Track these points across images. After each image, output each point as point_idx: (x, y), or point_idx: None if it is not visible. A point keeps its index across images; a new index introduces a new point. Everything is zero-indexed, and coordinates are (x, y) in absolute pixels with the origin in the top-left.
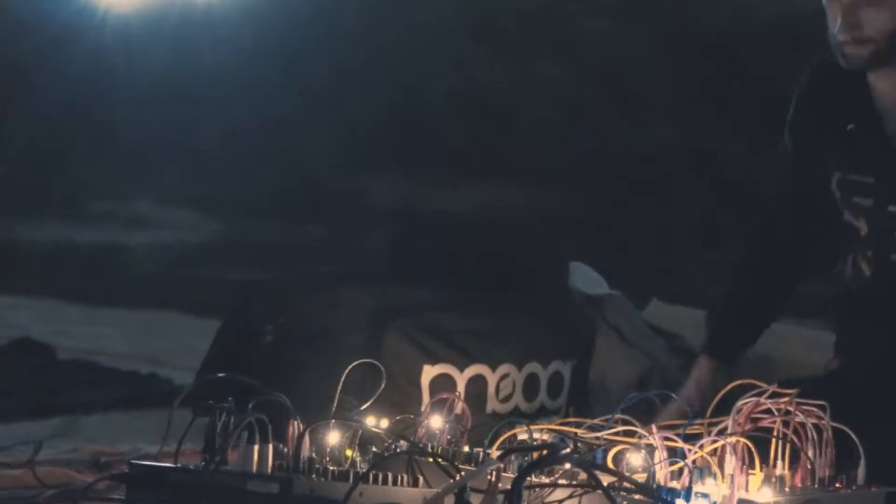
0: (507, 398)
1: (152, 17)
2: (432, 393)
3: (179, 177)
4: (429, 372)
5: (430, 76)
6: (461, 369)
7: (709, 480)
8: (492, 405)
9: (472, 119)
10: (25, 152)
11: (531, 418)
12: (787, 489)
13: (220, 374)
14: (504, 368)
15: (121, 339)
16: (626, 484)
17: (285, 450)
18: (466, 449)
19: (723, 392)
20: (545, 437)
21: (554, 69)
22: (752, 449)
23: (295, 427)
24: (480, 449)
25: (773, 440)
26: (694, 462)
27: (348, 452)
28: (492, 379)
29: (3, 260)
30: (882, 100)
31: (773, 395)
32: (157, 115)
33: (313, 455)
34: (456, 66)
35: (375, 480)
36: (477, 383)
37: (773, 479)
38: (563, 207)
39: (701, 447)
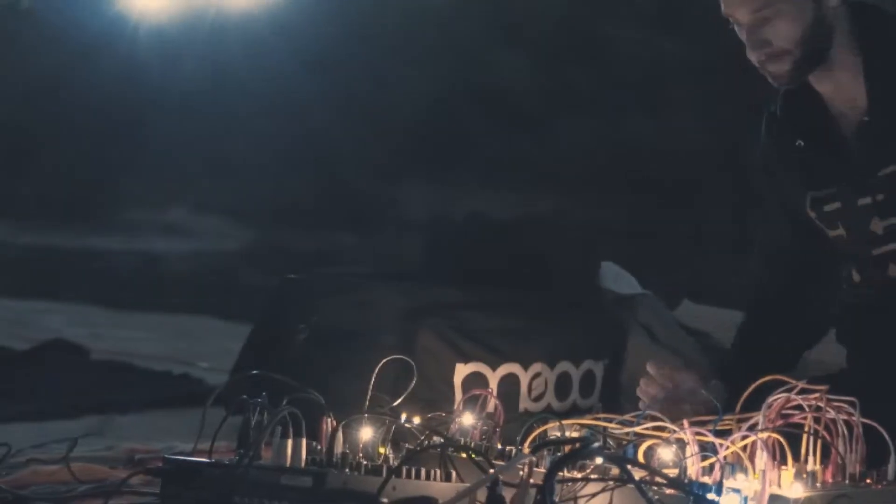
0: (539, 397)
1: (186, 26)
2: (465, 391)
3: (214, 185)
4: (461, 370)
5: (463, 84)
6: (493, 368)
7: (740, 476)
8: (524, 404)
9: (505, 126)
10: (60, 161)
11: (563, 417)
12: (818, 485)
13: (254, 372)
14: (536, 367)
15: (154, 342)
16: (657, 479)
17: (318, 447)
18: (498, 445)
19: (752, 388)
20: (576, 432)
21: (585, 75)
22: (784, 444)
23: (328, 423)
24: (512, 446)
25: (805, 436)
26: (725, 457)
27: (381, 449)
28: (524, 378)
29: (38, 266)
30: (832, 103)
31: (803, 392)
32: (191, 124)
33: (346, 450)
34: (488, 74)
35: (408, 475)
36: (509, 382)
37: (805, 475)
38: (595, 212)
39: (732, 442)
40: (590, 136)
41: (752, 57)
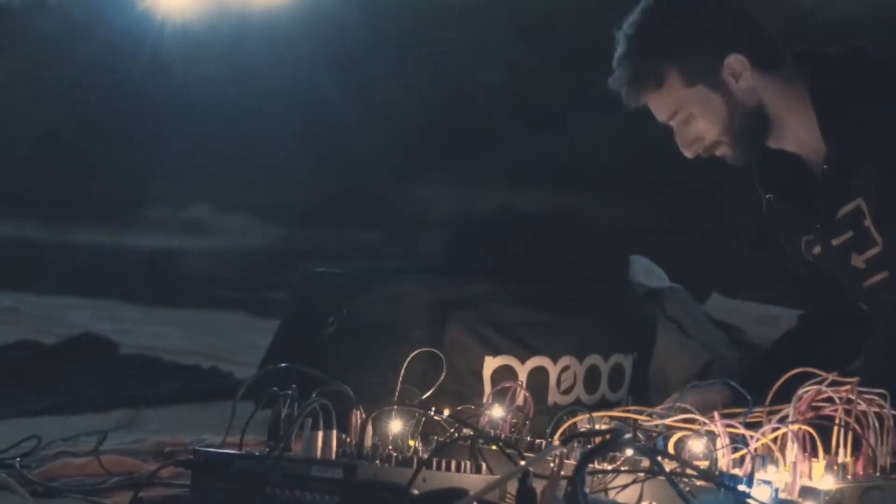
0: (569, 390)
1: (210, 25)
2: (494, 384)
3: (237, 183)
4: (490, 364)
5: (486, 82)
6: (522, 361)
7: (771, 468)
8: (553, 397)
9: (528, 124)
10: (86, 160)
11: (592, 411)
12: (849, 477)
13: (283, 365)
14: (565, 360)
15: (181, 337)
16: (688, 470)
17: (348, 439)
18: (528, 438)
19: (781, 380)
20: (606, 424)
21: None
22: (815, 436)
23: (357, 416)
24: (542, 439)
25: (835, 428)
26: (756, 449)
27: (411, 442)
28: (553, 371)
29: (65, 262)
30: (803, 155)
31: (834, 384)
32: (215, 122)
33: (376, 442)
34: (511, 72)
35: (439, 466)
36: (538, 375)
37: (836, 467)
38: (621, 211)
39: (763, 434)
40: (614, 135)
41: (686, 153)
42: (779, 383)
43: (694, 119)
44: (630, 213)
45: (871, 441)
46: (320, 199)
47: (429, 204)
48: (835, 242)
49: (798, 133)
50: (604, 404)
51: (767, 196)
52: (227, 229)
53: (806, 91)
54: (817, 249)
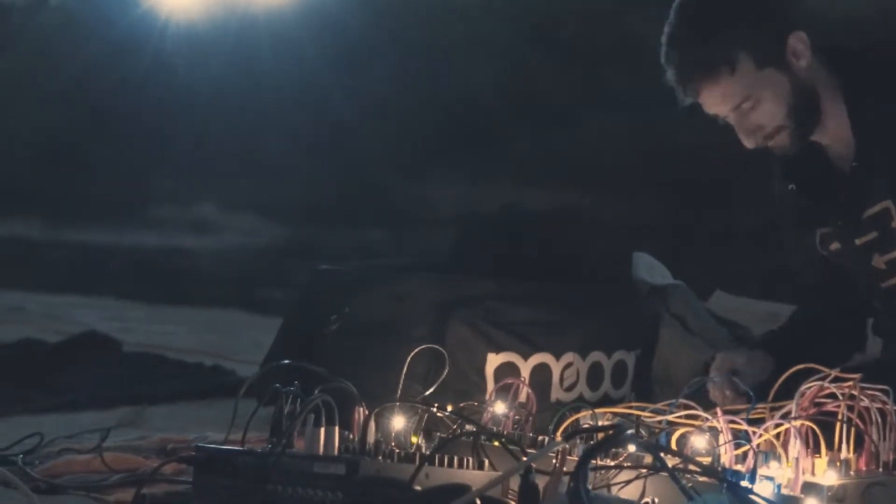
0: (572, 387)
1: (214, 24)
2: (497, 381)
3: (242, 182)
4: (493, 360)
5: (492, 80)
6: (525, 358)
7: (773, 464)
8: (556, 394)
9: (534, 122)
10: (91, 159)
11: (595, 407)
12: (851, 473)
13: (286, 362)
14: (568, 357)
15: (185, 336)
16: (690, 466)
17: (351, 437)
18: (531, 434)
19: (784, 376)
20: (609, 421)
21: (615, 72)
22: (818, 432)
23: (360, 413)
24: (545, 435)
25: (838, 424)
26: (758, 445)
27: (414, 439)
28: (556, 368)
29: (70, 261)
30: (830, 149)
31: (837, 380)
32: (220, 121)
33: (379, 439)
34: (517, 71)
35: (441, 463)
36: (541, 372)
37: (838, 463)
38: (625, 210)
39: (766, 430)
40: (619, 133)
41: (749, 143)
42: (781, 379)
43: (760, 105)
44: (634, 212)
45: (874, 437)
46: (325, 199)
47: (433, 203)
48: (858, 242)
49: (831, 124)
50: (607, 401)
51: (790, 186)
52: (232, 228)
53: (839, 84)
54: (835, 246)
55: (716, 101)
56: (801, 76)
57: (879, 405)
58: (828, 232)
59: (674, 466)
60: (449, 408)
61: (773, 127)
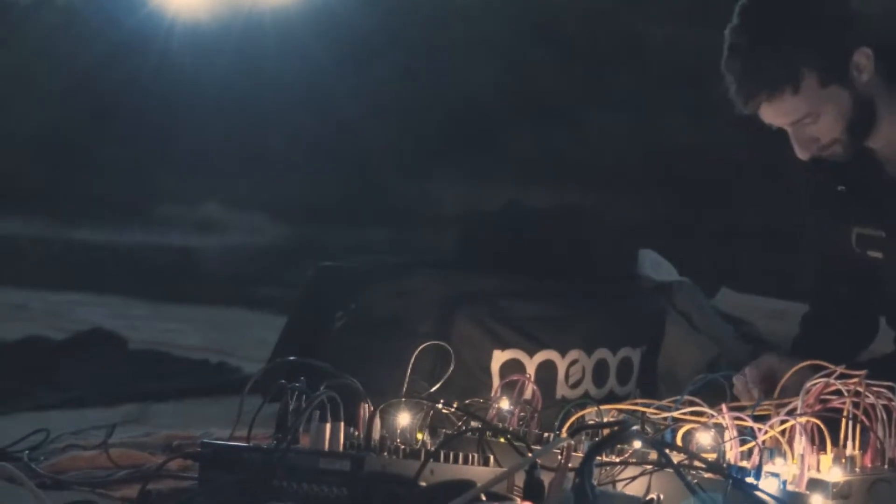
0: (577, 384)
1: (220, 23)
2: (502, 378)
3: (247, 181)
4: (499, 357)
5: (494, 80)
6: (531, 355)
7: (779, 460)
8: (561, 391)
9: (536, 122)
10: (97, 157)
11: (601, 404)
12: (857, 469)
13: (291, 359)
14: (573, 354)
15: (190, 333)
16: (696, 463)
17: (356, 433)
18: (536, 431)
19: (789, 373)
20: (614, 417)
21: (617, 72)
22: (823, 429)
23: (365, 409)
24: (550, 432)
25: (843, 420)
26: (763, 442)
27: (419, 435)
28: (561, 365)
29: (75, 259)
30: (880, 152)
31: (842, 376)
32: (225, 120)
33: (384, 435)
34: (519, 70)
35: (446, 459)
36: (546, 369)
37: (843, 460)
38: (628, 209)
39: (771, 427)
40: (621, 132)
41: (803, 155)
42: (787, 376)
43: (819, 119)
44: (635, 211)
45: (880, 434)
46: (328, 198)
47: (436, 202)
48: None
49: (886, 129)
50: (612, 398)
51: (840, 188)
52: (237, 227)
53: (892, 86)
54: (876, 253)
55: (776, 116)
56: (861, 90)
57: (885, 402)
58: (866, 233)
59: (679, 463)
60: (454, 404)
61: (830, 139)
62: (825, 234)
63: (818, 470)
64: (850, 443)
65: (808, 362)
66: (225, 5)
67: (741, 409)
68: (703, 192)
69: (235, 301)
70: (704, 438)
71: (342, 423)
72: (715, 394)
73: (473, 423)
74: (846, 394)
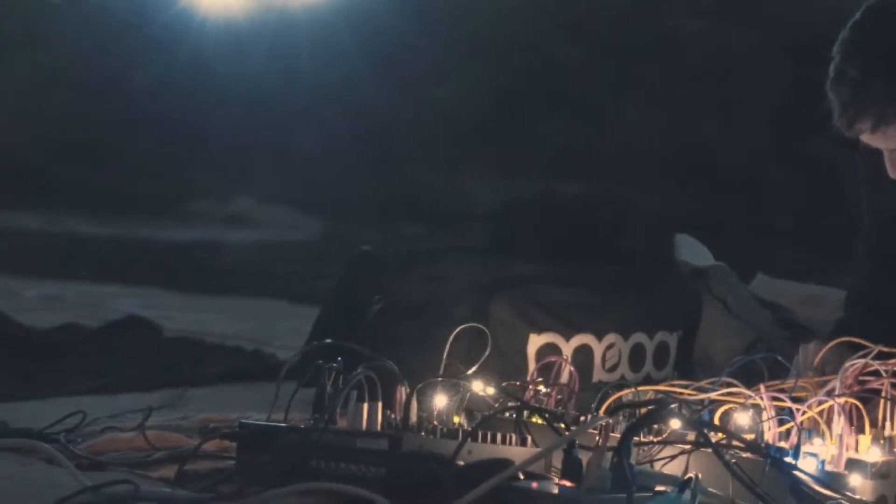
0: (613, 368)
1: (252, 20)
2: (538, 362)
3: (279, 177)
4: (535, 341)
5: (525, 75)
6: (567, 339)
7: (817, 440)
8: (597, 375)
9: (568, 118)
10: (130, 153)
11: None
12: (895, 450)
13: (328, 342)
14: (610, 338)
15: (223, 323)
16: (735, 442)
17: (392, 415)
18: (573, 412)
19: (823, 350)
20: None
21: (648, 67)
22: (862, 409)
23: (402, 392)
24: (587, 415)
25: (882, 401)
26: (802, 422)
27: (456, 418)
28: (598, 349)
29: (107, 254)
30: None
31: (880, 356)
32: (257, 116)
33: (421, 416)
34: (550, 66)
35: (484, 439)
36: (583, 353)
37: (882, 440)
38: (659, 204)
39: (809, 407)
40: (653, 128)
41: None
42: (820, 354)
43: None
44: (666, 206)
45: None
46: (361, 193)
47: (467, 197)
48: None
49: None
50: (649, 382)
51: None
52: (269, 222)
53: None
54: None
55: (877, 141)
56: None
57: None
58: None
59: (717, 442)
60: (490, 391)
61: None
62: (879, 210)
63: (856, 450)
64: (888, 423)
65: (845, 338)
66: (257, 2)
67: (780, 389)
68: (731, 186)
69: (268, 293)
70: (742, 419)
71: (379, 404)
72: (753, 376)
73: (511, 404)
74: (884, 374)
